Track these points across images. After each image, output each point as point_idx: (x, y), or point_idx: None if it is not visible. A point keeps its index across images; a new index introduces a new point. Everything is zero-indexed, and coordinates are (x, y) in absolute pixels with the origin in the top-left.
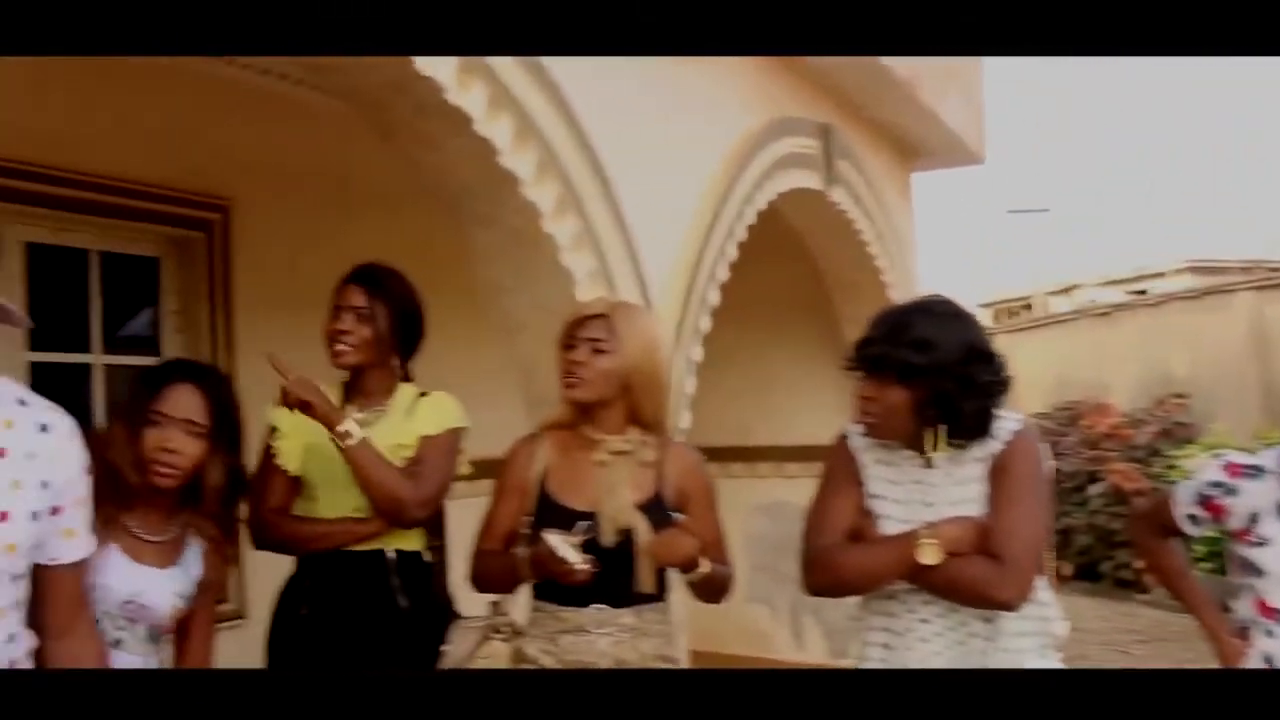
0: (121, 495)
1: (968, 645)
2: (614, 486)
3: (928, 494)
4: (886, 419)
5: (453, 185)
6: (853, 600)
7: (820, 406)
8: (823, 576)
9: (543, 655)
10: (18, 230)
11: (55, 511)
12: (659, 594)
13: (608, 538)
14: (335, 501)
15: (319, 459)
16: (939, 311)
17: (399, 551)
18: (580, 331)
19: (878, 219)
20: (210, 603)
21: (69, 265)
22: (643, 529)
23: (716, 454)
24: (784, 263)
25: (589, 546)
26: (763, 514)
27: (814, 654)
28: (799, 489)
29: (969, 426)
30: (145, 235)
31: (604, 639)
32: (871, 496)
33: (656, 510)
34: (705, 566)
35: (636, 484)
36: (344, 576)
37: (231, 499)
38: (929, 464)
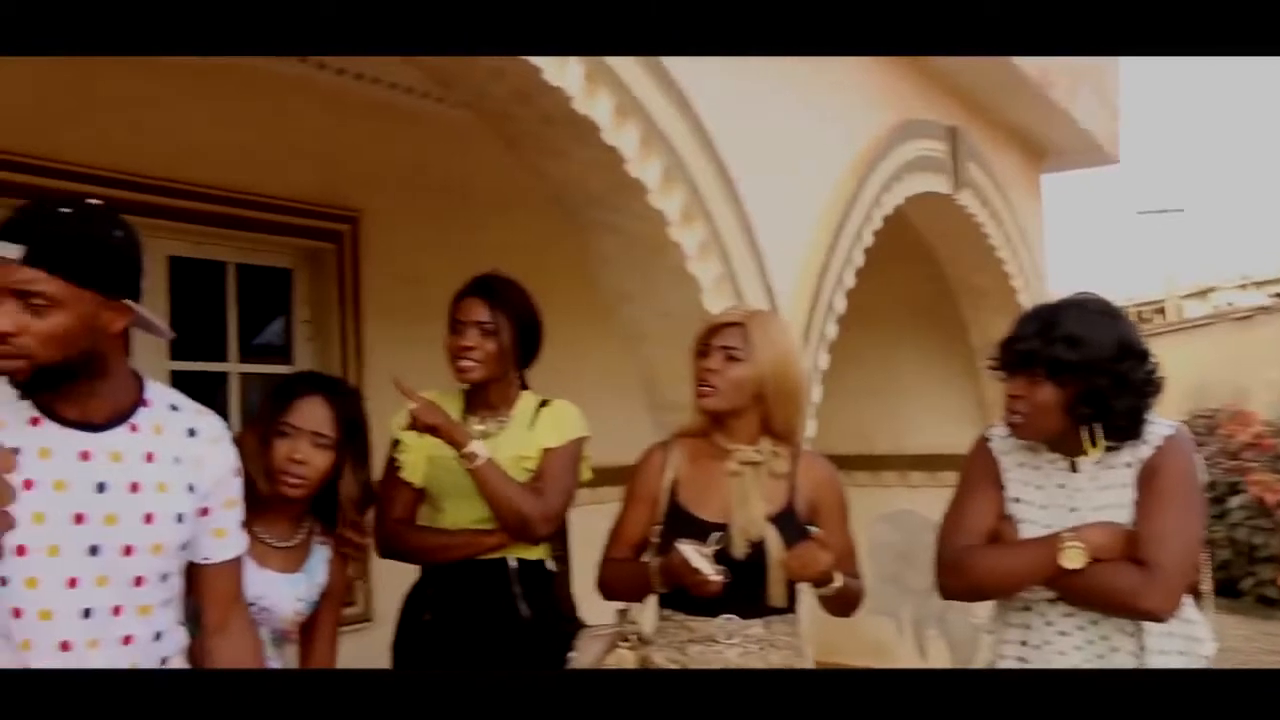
0: (250, 502)
1: (1109, 660)
2: (746, 497)
3: (1072, 498)
4: (1036, 418)
5: (578, 193)
6: (979, 613)
7: (946, 415)
8: (959, 579)
9: (670, 665)
10: (162, 244)
11: (204, 513)
12: (789, 606)
13: (739, 549)
14: (460, 512)
15: (443, 471)
16: (1091, 308)
17: (521, 560)
18: (714, 339)
19: (1006, 222)
20: (335, 609)
21: (207, 277)
22: (774, 541)
23: (840, 462)
24: (909, 268)
25: (719, 557)
26: (886, 523)
27: (938, 667)
28: (923, 498)
29: (1122, 425)
30: (279, 247)
31: (732, 650)
32: (1012, 500)
33: (788, 522)
34: (839, 580)
35: (768, 495)
36: (467, 584)
37: (361, 510)
38: (1074, 468)
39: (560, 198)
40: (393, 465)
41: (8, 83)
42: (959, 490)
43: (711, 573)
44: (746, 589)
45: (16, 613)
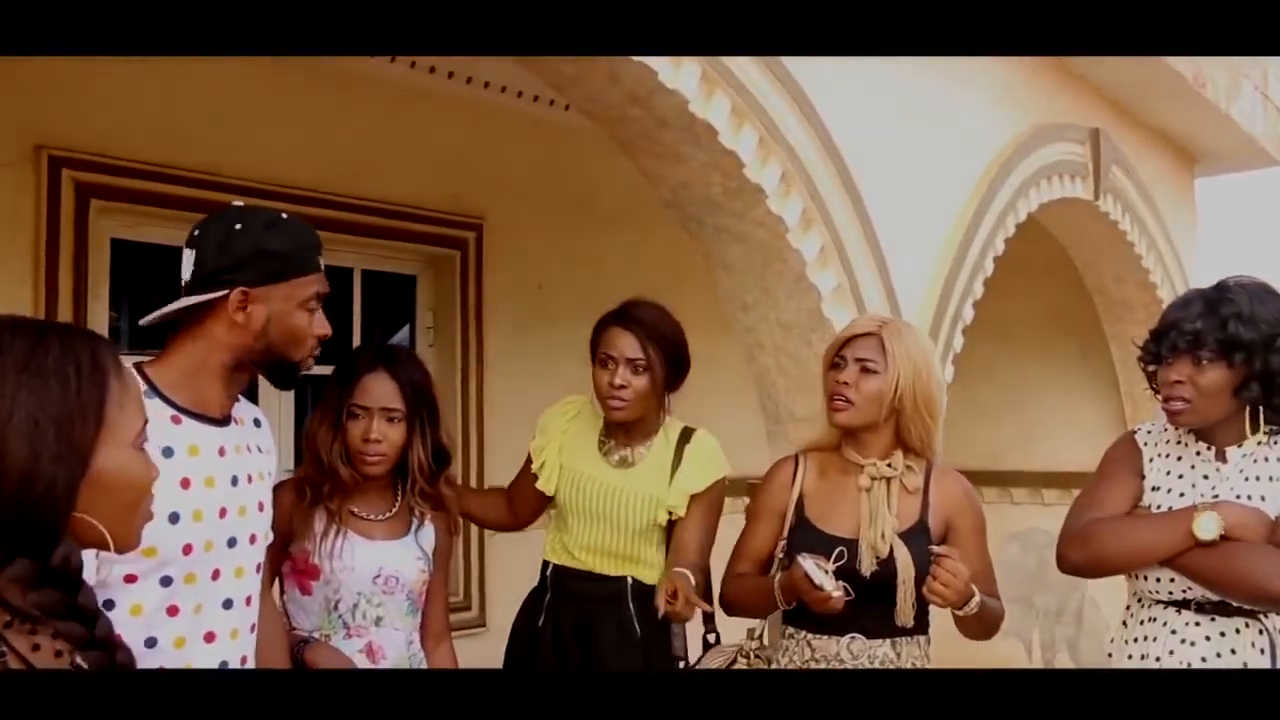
0: (338, 486)
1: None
2: (875, 513)
3: (1218, 488)
4: (1202, 402)
5: (695, 199)
6: (1113, 632)
7: (1083, 431)
8: (1084, 549)
9: None
10: None
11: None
12: (919, 627)
13: (866, 566)
14: (584, 534)
15: (574, 490)
16: (1252, 287)
17: (636, 581)
18: (848, 351)
19: (1152, 229)
20: (444, 568)
21: (334, 283)
22: (903, 559)
23: (970, 478)
24: (1046, 278)
25: (846, 575)
26: (1016, 543)
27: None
28: (1056, 517)
29: None
30: (404, 254)
31: None
32: (1151, 489)
33: (919, 539)
34: (977, 600)
35: (900, 511)
36: (584, 598)
37: (434, 475)
38: (1223, 458)
39: (677, 204)
40: (527, 465)
41: (152, 96)
42: (1096, 476)
43: (832, 589)
44: (874, 608)
45: (173, 611)
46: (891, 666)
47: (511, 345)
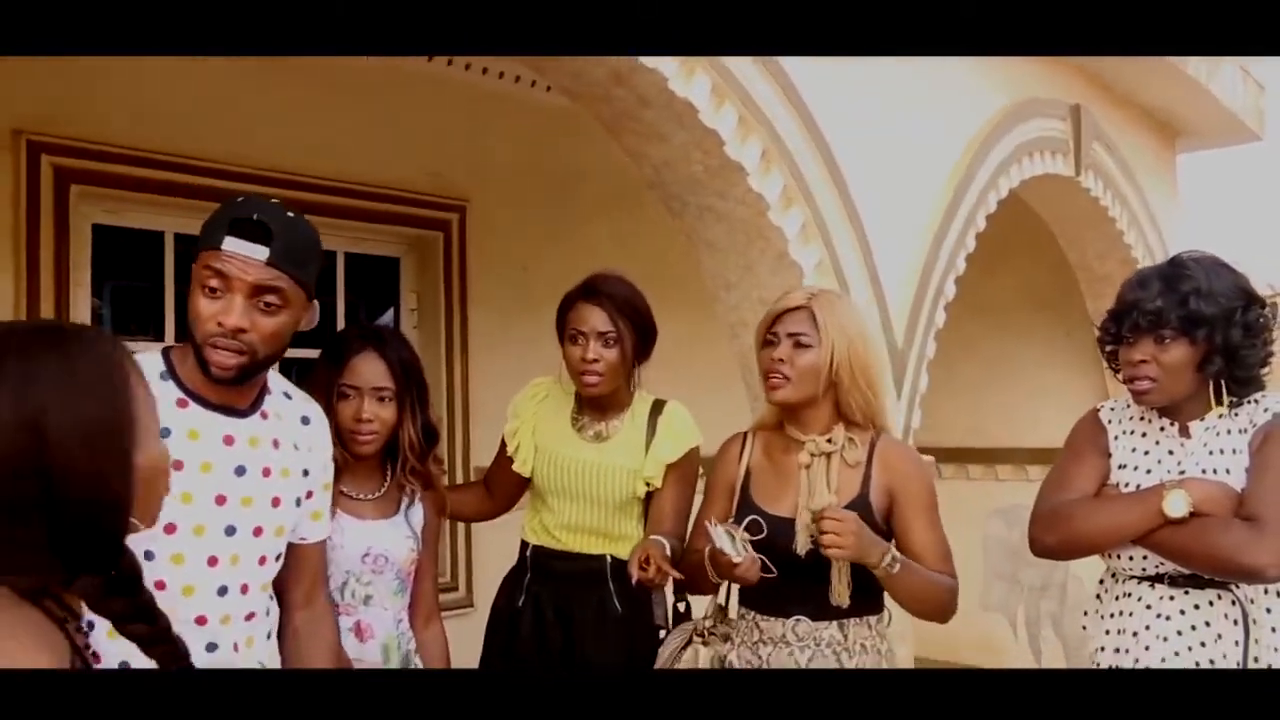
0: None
1: (1210, 650)
2: (812, 490)
3: (1183, 463)
4: (1168, 380)
5: (677, 178)
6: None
7: (1066, 407)
8: (1054, 531)
9: (743, 665)
10: None
11: (309, 496)
12: (870, 606)
13: (802, 545)
14: (566, 512)
15: (552, 469)
16: (1206, 261)
17: (615, 559)
18: (780, 327)
19: (1134, 206)
20: (433, 544)
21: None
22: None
23: (953, 455)
24: (1028, 256)
25: (784, 554)
26: (1000, 518)
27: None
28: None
29: (1252, 376)
30: (387, 236)
31: (804, 653)
32: (1118, 468)
33: (860, 514)
34: (890, 557)
35: (841, 486)
36: (563, 577)
37: (424, 453)
38: (1186, 433)
39: (660, 183)
40: (502, 450)
41: (130, 80)
42: (1063, 456)
43: (737, 556)
44: (818, 588)
45: (160, 585)
46: (839, 649)
47: (495, 326)
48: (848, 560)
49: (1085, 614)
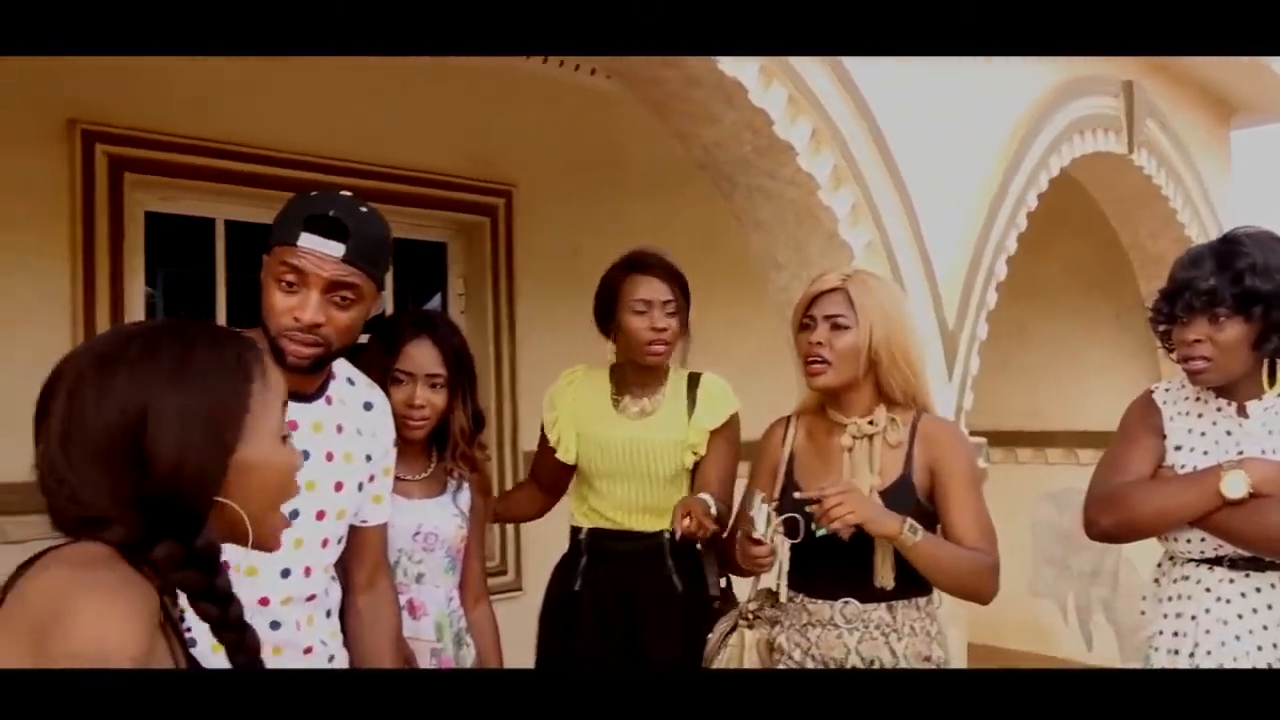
0: None
1: (1273, 634)
2: (857, 473)
3: (1241, 443)
4: (1223, 359)
5: (727, 158)
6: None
7: (1119, 390)
8: (1112, 513)
9: (793, 648)
10: None
11: (370, 480)
12: (918, 588)
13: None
14: (617, 492)
15: (595, 450)
16: (1259, 237)
17: (672, 535)
18: (816, 310)
19: (1188, 183)
20: (479, 526)
21: None
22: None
23: (1003, 438)
24: (1080, 236)
25: (830, 538)
26: (1051, 502)
27: (1103, 656)
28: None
29: None
30: (435, 221)
31: (853, 635)
32: (1174, 449)
33: (902, 494)
34: (908, 527)
35: (883, 468)
36: (622, 557)
37: (472, 439)
38: (1244, 413)
39: (709, 164)
40: (544, 442)
41: (182, 69)
42: (1118, 439)
43: (757, 532)
44: (862, 571)
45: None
46: (888, 630)
47: (542, 311)
48: (856, 525)
49: (1144, 598)
